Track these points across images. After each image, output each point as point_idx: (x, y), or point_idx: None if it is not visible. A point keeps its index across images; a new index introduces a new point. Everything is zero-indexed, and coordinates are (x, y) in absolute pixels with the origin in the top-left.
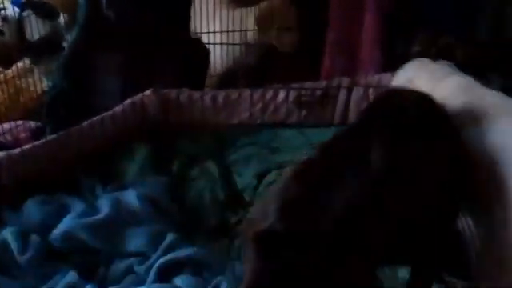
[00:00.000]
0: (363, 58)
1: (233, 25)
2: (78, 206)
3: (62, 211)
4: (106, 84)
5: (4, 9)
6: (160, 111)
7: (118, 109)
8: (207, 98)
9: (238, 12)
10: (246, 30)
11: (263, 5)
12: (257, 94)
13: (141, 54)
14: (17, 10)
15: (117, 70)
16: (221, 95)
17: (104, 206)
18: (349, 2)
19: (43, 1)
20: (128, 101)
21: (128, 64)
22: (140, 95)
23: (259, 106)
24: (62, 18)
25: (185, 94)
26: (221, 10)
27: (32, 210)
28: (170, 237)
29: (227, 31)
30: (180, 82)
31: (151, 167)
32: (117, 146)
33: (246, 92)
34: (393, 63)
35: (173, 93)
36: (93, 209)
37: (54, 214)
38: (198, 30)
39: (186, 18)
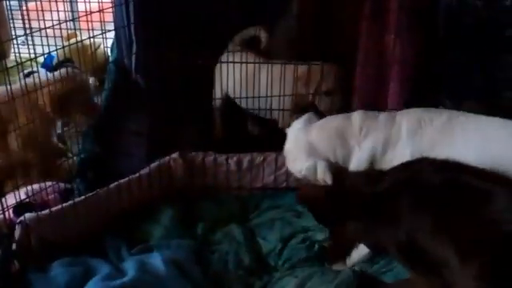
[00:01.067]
0: None
1: (271, 91)
2: (103, 269)
3: (88, 273)
4: (133, 146)
5: (35, 72)
6: (186, 174)
7: (144, 171)
8: (232, 162)
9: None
10: (283, 95)
11: (302, 68)
12: (282, 158)
13: (167, 116)
14: (49, 74)
15: (144, 132)
16: (246, 159)
17: (129, 268)
18: (373, 72)
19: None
20: (155, 164)
21: (155, 126)
22: (167, 158)
23: (284, 169)
24: (91, 82)
25: (210, 158)
26: (260, 75)
27: (58, 272)
28: None
29: (266, 96)
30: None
31: (176, 230)
32: (143, 208)
33: (271, 156)
34: None
35: (199, 156)
36: (118, 271)
37: (80, 277)
38: (237, 95)
39: (210, 84)
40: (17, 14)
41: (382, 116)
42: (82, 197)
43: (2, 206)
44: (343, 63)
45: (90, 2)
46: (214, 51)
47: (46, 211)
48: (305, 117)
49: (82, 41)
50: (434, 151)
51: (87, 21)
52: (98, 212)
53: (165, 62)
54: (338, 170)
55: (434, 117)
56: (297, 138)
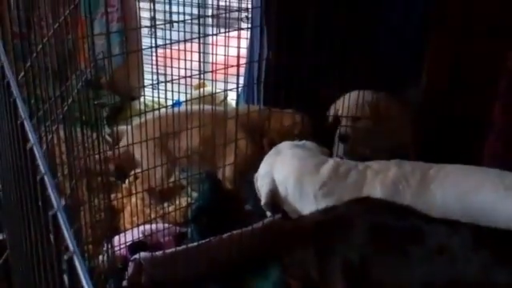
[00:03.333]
0: None
1: None
2: None
3: None
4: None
5: None
6: None
7: (257, 225)
8: None
9: None
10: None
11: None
12: None
13: None
14: None
15: None
16: None
17: None
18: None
19: None
20: (268, 219)
21: None
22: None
23: None
24: None
25: None
26: None
27: None
28: None
29: None
30: None
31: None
32: (251, 261)
33: None
34: None
35: None
36: None
37: None
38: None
39: None
40: (148, 59)
41: (354, 175)
42: (195, 243)
43: (120, 242)
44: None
45: (225, 56)
46: None
47: (160, 252)
48: (280, 147)
49: (214, 93)
50: None
51: (216, 72)
52: (208, 259)
53: None
54: None
55: (408, 175)
56: (269, 155)
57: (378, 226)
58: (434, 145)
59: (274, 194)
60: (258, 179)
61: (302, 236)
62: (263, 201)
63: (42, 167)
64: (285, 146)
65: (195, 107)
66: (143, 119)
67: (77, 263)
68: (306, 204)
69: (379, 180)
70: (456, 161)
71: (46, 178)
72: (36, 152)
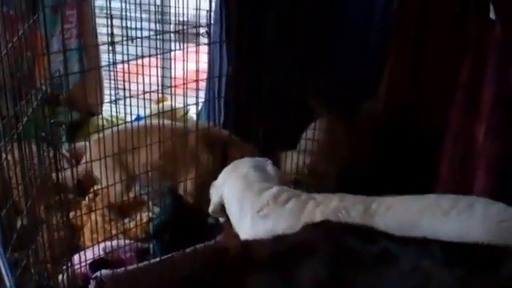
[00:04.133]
0: None
1: None
2: None
3: None
4: None
5: None
6: None
7: (219, 238)
8: None
9: None
10: None
11: None
12: None
13: None
14: None
15: None
16: None
17: None
18: (459, 162)
19: None
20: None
21: None
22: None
23: None
24: None
25: None
26: None
27: None
28: None
29: None
30: None
31: None
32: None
33: None
34: None
35: None
36: None
37: None
38: None
39: None
40: (107, 75)
41: (294, 202)
42: (157, 259)
43: (80, 260)
44: (427, 151)
45: (184, 70)
46: None
47: (122, 269)
48: (239, 162)
49: (174, 109)
50: None
51: (176, 87)
52: (171, 275)
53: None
54: None
55: (349, 208)
56: (227, 168)
57: (344, 249)
58: (392, 157)
59: (221, 206)
60: (213, 188)
61: (256, 267)
62: (211, 209)
63: None
64: (244, 163)
65: (155, 122)
66: (101, 135)
67: None
68: (244, 225)
69: (319, 209)
70: (412, 174)
71: None
72: None
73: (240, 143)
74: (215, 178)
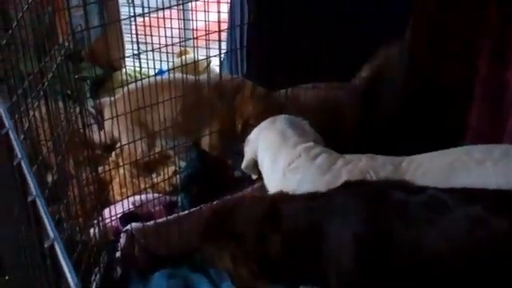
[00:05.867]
0: None
1: None
2: (202, 285)
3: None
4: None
5: None
6: None
7: (247, 190)
8: None
9: None
10: None
11: None
12: None
13: None
14: None
15: None
16: None
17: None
18: (489, 108)
19: None
20: (259, 184)
21: None
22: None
23: None
24: None
25: None
26: None
27: (159, 282)
28: None
29: None
30: None
31: None
32: None
33: None
34: None
35: None
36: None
37: None
38: None
39: None
40: (128, 29)
41: (323, 158)
42: (186, 211)
43: (110, 214)
44: (455, 98)
45: (205, 21)
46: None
47: (151, 222)
48: (276, 118)
49: (197, 61)
50: None
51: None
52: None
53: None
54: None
55: (378, 168)
56: (265, 122)
57: (390, 203)
58: (417, 108)
59: (254, 162)
60: (247, 143)
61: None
62: (243, 165)
63: (18, 153)
64: (280, 119)
65: (166, 79)
66: (118, 95)
67: (58, 251)
68: (274, 180)
69: (347, 168)
70: (439, 128)
71: (22, 163)
72: (12, 137)
73: (251, 85)
74: (233, 126)
